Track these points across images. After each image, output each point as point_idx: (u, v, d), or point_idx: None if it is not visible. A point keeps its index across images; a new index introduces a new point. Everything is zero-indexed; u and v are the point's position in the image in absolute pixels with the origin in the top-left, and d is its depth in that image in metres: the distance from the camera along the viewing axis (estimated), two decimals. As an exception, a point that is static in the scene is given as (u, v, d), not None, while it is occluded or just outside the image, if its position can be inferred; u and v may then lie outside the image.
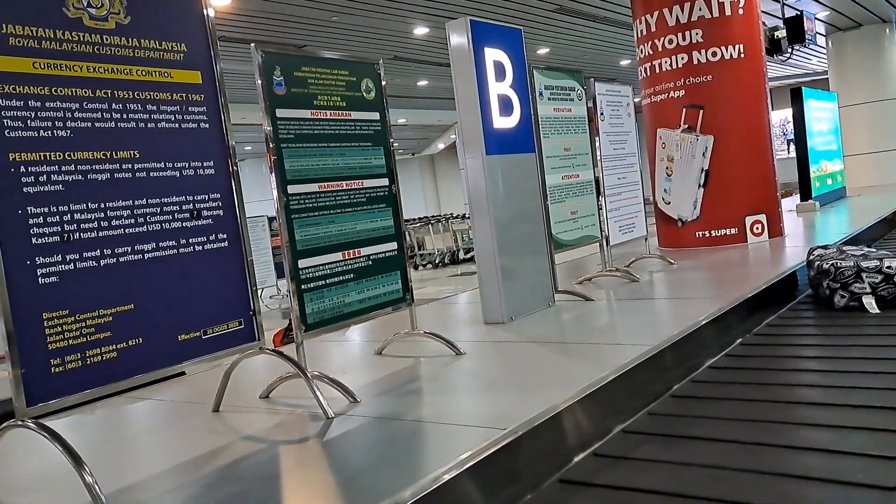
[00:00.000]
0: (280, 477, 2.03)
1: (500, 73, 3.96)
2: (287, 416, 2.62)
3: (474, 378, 2.93)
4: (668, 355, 3.00)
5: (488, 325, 3.88)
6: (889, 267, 3.86)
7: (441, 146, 26.61)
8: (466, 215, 15.20)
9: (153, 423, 2.92)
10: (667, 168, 6.53)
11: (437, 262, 14.54)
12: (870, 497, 1.82)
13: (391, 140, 3.35)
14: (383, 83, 3.30)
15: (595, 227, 4.86)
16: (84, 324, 2.05)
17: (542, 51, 11.95)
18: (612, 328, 3.70)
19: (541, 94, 4.40)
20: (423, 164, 29.97)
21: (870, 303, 3.85)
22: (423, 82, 14.09)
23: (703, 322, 3.36)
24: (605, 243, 4.95)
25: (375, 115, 3.26)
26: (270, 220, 12.98)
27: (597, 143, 4.91)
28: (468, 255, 14.34)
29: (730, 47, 6.21)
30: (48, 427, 1.93)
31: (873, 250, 4.34)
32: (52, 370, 1.97)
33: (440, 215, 16.45)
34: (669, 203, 6.56)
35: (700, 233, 6.37)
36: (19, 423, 1.92)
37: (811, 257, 4.29)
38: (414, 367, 3.18)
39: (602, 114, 5.01)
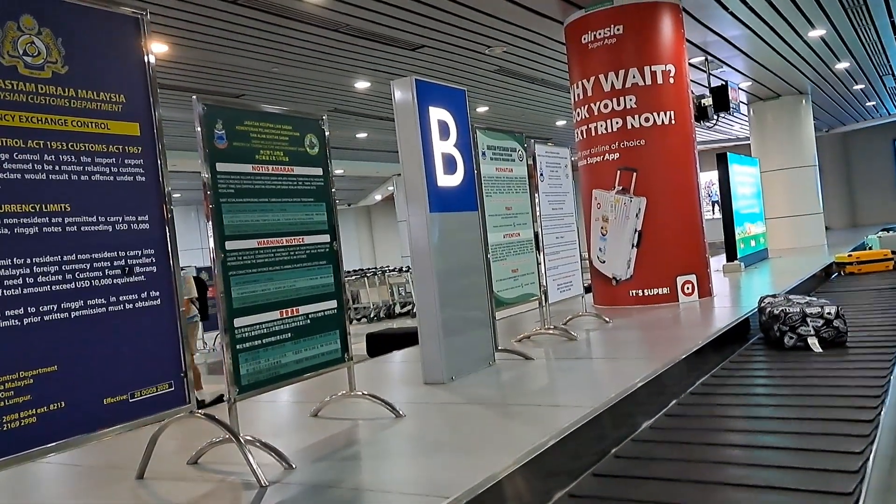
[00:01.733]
0: (210, 554, 1.91)
1: (444, 132, 4.00)
2: (217, 484, 2.49)
3: (415, 442, 2.86)
4: (608, 416, 3.00)
5: (428, 385, 3.82)
6: (829, 313, 4.56)
7: (378, 197, 26.63)
8: (403, 269, 15.16)
9: (71, 490, 2.72)
10: (602, 228, 6.69)
11: (371, 316, 14.36)
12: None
13: (333, 195, 3.32)
14: (327, 138, 3.28)
15: (534, 284, 4.91)
16: (2, 387, 1.91)
17: (482, 109, 12.22)
18: (553, 389, 3.70)
19: (483, 153, 4.47)
20: (359, 214, 29.90)
21: (814, 343, 4.51)
22: (362, 134, 14.16)
23: (640, 384, 3.39)
24: (543, 301, 5.00)
25: (318, 171, 3.22)
26: (199, 270, 12.65)
27: (536, 203, 5.00)
28: (404, 310, 14.25)
29: (661, 114, 6.48)
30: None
31: (814, 298, 5.01)
32: (-38, 438, 1.82)
33: (376, 268, 16.33)
34: (604, 262, 6.70)
35: (633, 291, 6.51)
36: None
37: (763, 304, 4.95)
38: (352, 431, 3.09)
39: (542, 174, 5.12)
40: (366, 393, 3.33)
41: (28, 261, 2.03)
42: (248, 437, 2.58)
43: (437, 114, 3.96)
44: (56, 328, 2.07)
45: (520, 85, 10.55)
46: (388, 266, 17.03)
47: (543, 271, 4.98)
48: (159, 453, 2.65)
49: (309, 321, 3.08)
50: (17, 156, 2.04)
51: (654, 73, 6.46)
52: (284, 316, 2.95)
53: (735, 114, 10.39)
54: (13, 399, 1.95)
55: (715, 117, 9.23)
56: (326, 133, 3.27)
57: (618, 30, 6.47)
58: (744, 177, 10.30)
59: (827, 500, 2.21)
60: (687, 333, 5.06)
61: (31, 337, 2.01)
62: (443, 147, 3.99)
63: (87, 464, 2.95)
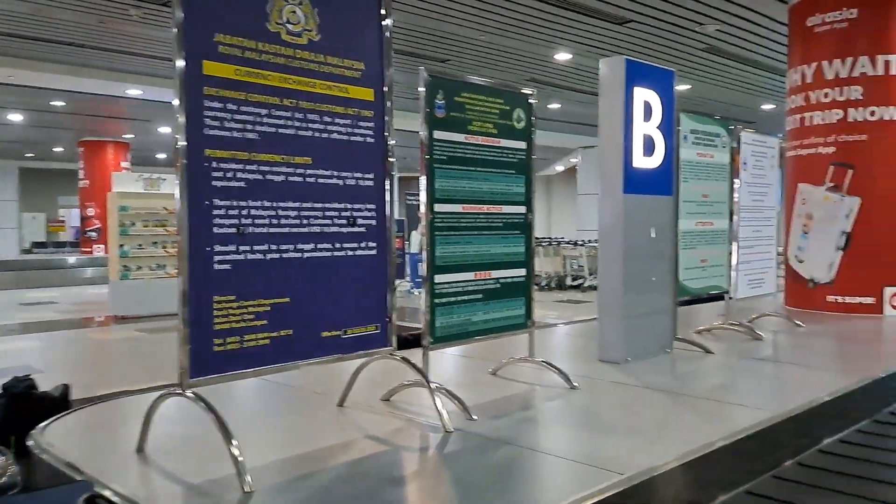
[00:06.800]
0: (404, 483, 2.14)
1: (647, 112, 3.95)
2: (407, 422, 2.73)
3: (588, 416, 2.94)
4: (795, 425, 2.89)
5: (603, 362, 3.86)
6: None
7: (560, 168, 26.39)
8: (578, 242, 15.00)
9: (287, 407, 3.12)
10: (804, 225, 6.25)
11: (542, 285, 14.41)
12: None
13: (533, 168, 3.42)
14: (533, 113, 3.38)
15: (723, 277, 4.74)
16: (246, 310, 2.24)
17: (683, 87, 11.69)
18: (732, 387, 3.60)
19: (685, 137, 4.36)
20: (538, 184, 29.76)
21: None
22: (554, 105, 14.10)
23: (830, 398, 3.21)
24: (730, 296, 4.81)
25: (523, 144, 3.34)
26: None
27: (735, 192, 4.79)
28: (575, 283, 14.16)
29: (890, 108, 5.88)
30: (205, 400, 2.12)
31: None
32: (214, 348, 2.16)
33: (551, 239, 16.28)
34: (802, 262, 6.27)
35: (832, 297, 6.05)
36: (178, 392, 2.12)
37: None
38: (528, 394, 3.23)
39: (745, 163, 4.88)
40: (544, 361, 3.46)
41: (274, 204, 2.34)
42: (437, 384, 2.80)
43: (643, 94, 3.91)
44: (291, 266, 2.38)
45: (728, 65, 9.97)
46: (562, 237, 16.90)
47: (735, 264, 4.79)
48: (358, 386, 2.95)
49: (499, 285, 3.24)
50: (274, 112, 2.34)
51: (887, 63, 5.85)
52: (478, 278, 3.13)
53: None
54: (253, 322, 2.28)
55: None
56: (533, 109, 3.37)
57: (851, 13, 5.92)
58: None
59: None
60: (892, 350, 4.65)
61: (271, 270, 2.33)
62: (644, 128, 3.94)
63: (297, 385, 3.35)
